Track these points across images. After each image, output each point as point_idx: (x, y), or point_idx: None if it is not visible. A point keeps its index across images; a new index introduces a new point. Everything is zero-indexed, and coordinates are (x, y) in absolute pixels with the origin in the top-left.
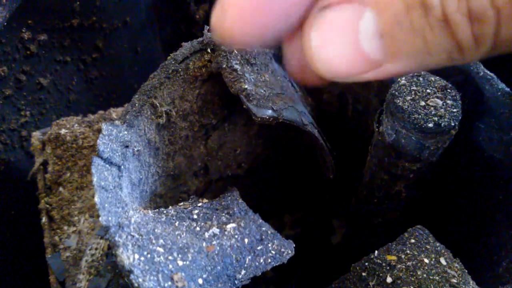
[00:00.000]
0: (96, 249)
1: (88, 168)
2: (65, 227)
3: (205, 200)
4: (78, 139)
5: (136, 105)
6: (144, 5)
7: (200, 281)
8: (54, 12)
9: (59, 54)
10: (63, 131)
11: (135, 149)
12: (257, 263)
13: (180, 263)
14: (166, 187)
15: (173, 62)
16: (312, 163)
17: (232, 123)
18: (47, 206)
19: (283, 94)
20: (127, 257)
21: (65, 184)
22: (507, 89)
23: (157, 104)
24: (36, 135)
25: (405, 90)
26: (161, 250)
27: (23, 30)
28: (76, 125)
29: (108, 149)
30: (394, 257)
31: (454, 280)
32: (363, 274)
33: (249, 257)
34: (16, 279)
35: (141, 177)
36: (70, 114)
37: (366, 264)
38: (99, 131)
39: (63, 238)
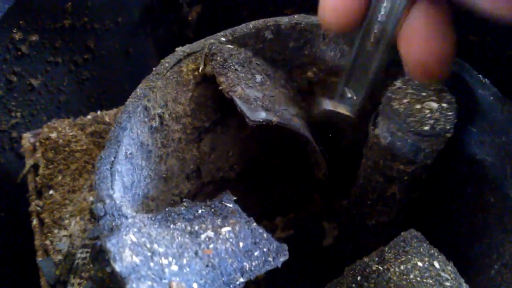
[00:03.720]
0: (87, 252)
1: (80, 172)
2: (56, 231)
3: (198, 203)
4: (71, 142)
5: (129, 107)
6: (136, 6)
7: (195, 285)
8: (45, 13)
9: (50, 55)
10: (54, 134)
11: (128, 152)
12: (252, 267)
13: (175, 267)
14: (158, 190)
15: (166, 65)
16: (304, 165)
17: (225, 126)
18: (38, 208)
19: (276, 97)
20: (122, 262)
21: (57, 188)
22: (500, 93)
23: (150, 106)
24: (27, 136)
25: (401, 93)
26: (156, 254)
27: (14, 31)
28: (68, 127)
29: None
30: (387, 260)
31: (448, 284)
32: (357, 277)
33: (244, 261)
34: (6, 282)
35: (133, 180)
36: (61, 115)
37: (359, 267)
38: (92, 134)
39: (54, 241)
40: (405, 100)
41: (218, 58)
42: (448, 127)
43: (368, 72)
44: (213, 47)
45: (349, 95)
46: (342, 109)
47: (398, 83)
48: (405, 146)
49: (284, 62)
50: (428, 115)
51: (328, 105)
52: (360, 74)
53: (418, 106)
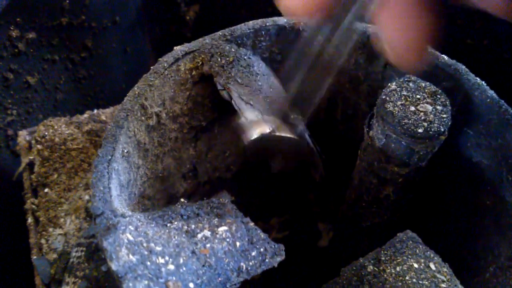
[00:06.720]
0: (82, 251)
1: (76, 170)
2: (51, 229)
3: (195, 203)
4: (67, 141)
5: (126, 106)
6: (134, 5)
7: (192, 285)
8: (43, 11)
9: (47, 53)
10: (50, 132)
11: (125, 150)
12: (248, 267)
13: (172, 267)
14: (155, 189)
15: (164, 64)
16: (300, 165)
17: (221, 126)
18: (33, 206)
19: (274, 98)
20: (118, 260)
21: (52, 186)
22: (496, 96)
23: (147, 105)
24: (23, 134)
25: (396, 95)
26: (152, 253)
27: (11, 28)
28: (64, 126)
29: None
30: (383, 262)
31: (444, 285)
32: (353, 278)
33: (241, 261)
34: (1, 280)
35: (129, 178)
36: (57, 113)
37: (355, 268)
38: (89, 132)
39: (49, 240)
40: (399, 102)
41: (217, 58)
42: (442, 130)
43: (320, 89)
44: (212, 47)
45: (294, 116)
46: (285, 132)
47: (393, 85)
48: (399, 148)
49: (283, 63)
50: (423, 118)
51: (265, 129)
52: (309, 93)
53: (412, 108)
